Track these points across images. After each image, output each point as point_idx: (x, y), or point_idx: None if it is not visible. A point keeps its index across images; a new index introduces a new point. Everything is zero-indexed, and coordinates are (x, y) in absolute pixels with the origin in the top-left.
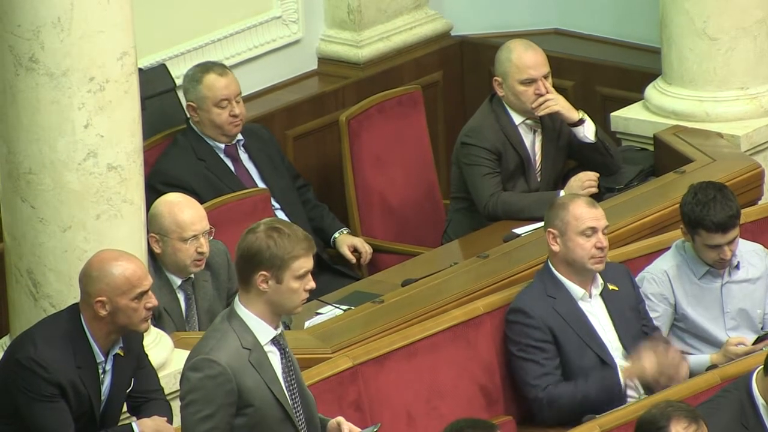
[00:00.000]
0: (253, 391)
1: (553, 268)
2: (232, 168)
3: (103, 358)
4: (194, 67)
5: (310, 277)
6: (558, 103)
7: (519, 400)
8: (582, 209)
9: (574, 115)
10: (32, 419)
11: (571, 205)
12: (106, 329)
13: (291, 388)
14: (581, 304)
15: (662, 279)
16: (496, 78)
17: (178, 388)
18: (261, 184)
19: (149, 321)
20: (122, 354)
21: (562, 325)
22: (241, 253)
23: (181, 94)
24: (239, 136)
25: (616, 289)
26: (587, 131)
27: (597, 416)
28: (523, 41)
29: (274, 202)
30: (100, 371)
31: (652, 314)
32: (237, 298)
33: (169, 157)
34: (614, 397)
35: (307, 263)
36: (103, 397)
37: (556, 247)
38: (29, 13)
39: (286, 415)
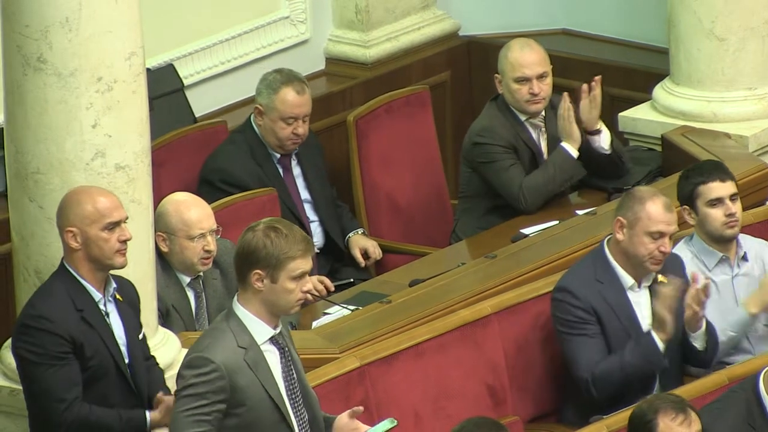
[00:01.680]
0: (247, 391)
1: (608, 253)
2: (282, 176)
3: (100, 296)
4: (275, 73)
5: (307, 278)
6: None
7: (526, 400)
8: (658, 211)
9: (595, 124)
10: (36, 383)
11: (648, 201)
12: (88, 266)
13: (292, 388)
14: (629, 293)
15: None
16: (496, 75)
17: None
18: (306, 195)
19: (125, 256)
20: (122, 299)
21: (607, 311)
22: (239, 251)
23: (188, 94)
24: None
25: (665, 280)
26: (603, 141)
27: (604, 417)
28: (523, 40)
29: (311, 215)
30: (103, 312)
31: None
32: (236, 297)
33: (230, 156)
34: (654, 360)
35: (303, 264)
36: (120, 342)
37: (620, 236)
38: (37, 13)
39: (281, 416)
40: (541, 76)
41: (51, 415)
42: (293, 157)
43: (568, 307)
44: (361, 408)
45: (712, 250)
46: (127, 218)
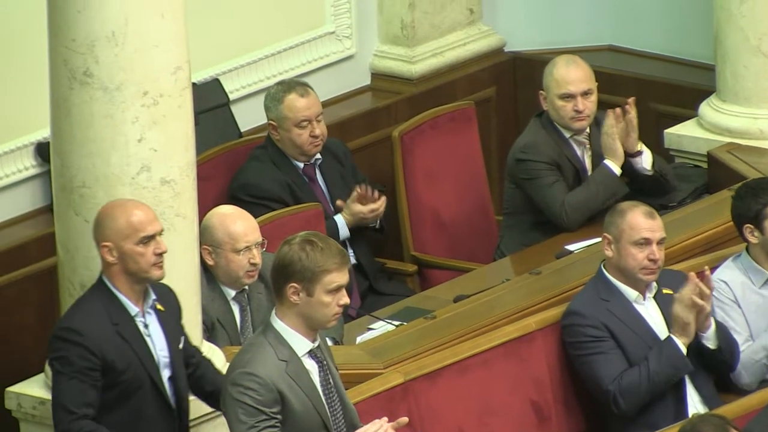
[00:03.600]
0: (293, 402)
1: (606, 273)
2: (309, 187)
3: (137, 310)
4: (276, 85)
5: (344, 292)
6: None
7: (571, 416)
8: (638, 219)
9: (635, 146)
10: (54, 393)
11: (628, 213)
12: (124, 279)
13: (331, 401)
14: (636, 306)
15: (725, 288)
16: (541, 92)
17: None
18: (331, 207)
19: (163, 269)
20: (163, 309)
21: (618, 325)
22: (275, 264)
23: (234, 109)
24: (317, 156)
25: (671, 292)
26: (645, 162)
27: None
28: (569, 56)
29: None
30: (141, 326)
31: (736, 327)
32: (273, 311)
33: (254, 171)
34: (679, 364)
35: (339, 278)
36: (162, 355)
37: (609, 253)
38: (84, 28)
39: (324, 426)
40: (585, 93)
41: (58, 422)
42: (317, 167)
43: (578, 328)
44: (405, 419)
45: (761, 269)
46: (162, 231)
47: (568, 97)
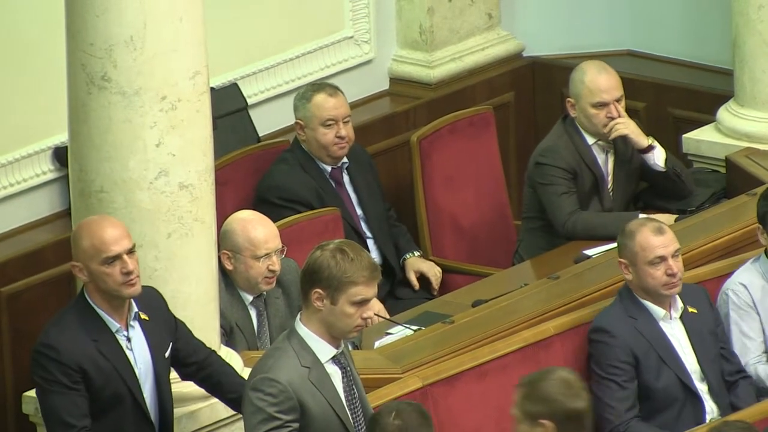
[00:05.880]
0: (314, 409)
1: (633, 291)
2: (336, 191)
3: (118, 326)
4: (306, 85)
5: (368, 305)
6: (628, 128)
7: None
8: (648, 239)
9: (643, 141)
10: (46, 409)
11: (637, 234)
12: (101, 296)
13: (353, 406)
14: (662, 325)
15: (743, 291)
16: (569, 99)
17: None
18: (359, 211)
19: (136, 285)
20: (147, 318)
21: (643, 346)
22: (304, 268)
23: (252, 113)
24: (344, 160)
25: (696, 312)
26: (657, 158)
27: None
28: (598, 63)
29: (366, 231)
30: (122, 341)
31: (750, 333)
32: (299, 316)
33: (283, 173)
34: None
35: (365, 291)
36: (139, 371)
37: (629, 276)
38: (102, 32)
39: None
40: (618, 100)
41: None
42: (344, 171)
43: (606, 348)
44: None
45: None
46: (132, 248)
47: (602, 105)
